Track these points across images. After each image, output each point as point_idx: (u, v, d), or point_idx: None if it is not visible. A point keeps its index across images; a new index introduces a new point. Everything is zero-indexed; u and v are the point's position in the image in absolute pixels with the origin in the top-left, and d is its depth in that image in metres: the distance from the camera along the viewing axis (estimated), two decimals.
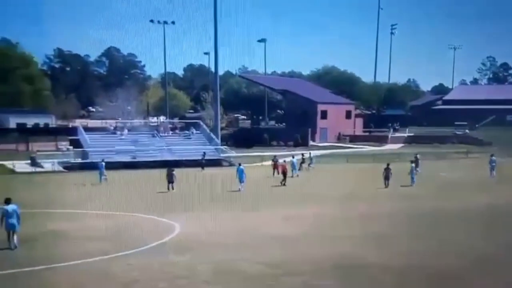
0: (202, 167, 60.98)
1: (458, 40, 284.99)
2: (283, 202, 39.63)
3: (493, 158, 54.62)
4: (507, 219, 32.33)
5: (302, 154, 65.74)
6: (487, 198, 40.89)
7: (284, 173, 50.08)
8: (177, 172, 49.60)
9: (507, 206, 36.91)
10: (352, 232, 28.53)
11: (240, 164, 48.90)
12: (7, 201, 26.23)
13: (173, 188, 45.02)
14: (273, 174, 54.51)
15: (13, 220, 25.45)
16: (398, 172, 49.02)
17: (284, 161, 54.55)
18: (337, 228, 29.93)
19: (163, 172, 47.69)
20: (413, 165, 49.93)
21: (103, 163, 53.43)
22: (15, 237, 25.42)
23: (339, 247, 25.25)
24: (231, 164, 64.59)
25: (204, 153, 65.71)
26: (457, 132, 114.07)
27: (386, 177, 46.88)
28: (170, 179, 45.64)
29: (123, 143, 70.93)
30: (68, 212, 34.27)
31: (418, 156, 59.26)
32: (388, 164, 48.12)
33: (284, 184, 48.83)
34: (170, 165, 51.05)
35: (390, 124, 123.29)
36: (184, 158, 65.77)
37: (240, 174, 46.06)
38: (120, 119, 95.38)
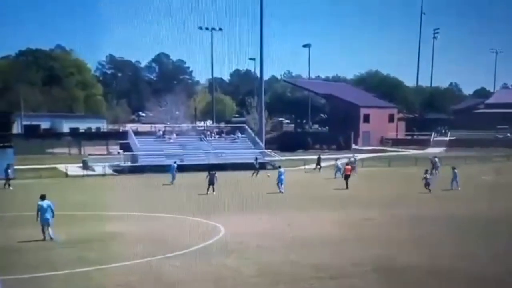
0: (256, 172, 60.94)
1: (499, 44, 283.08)
2: (328, 204, 40.26)
3: None
4: None
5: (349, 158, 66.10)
6: None
7: (347, 176, 50.07)
8: (224, 175, 51.03)
9: None
10: (396, 235, 29.16)
11: (280, 167, 50.35)
12: (42, 198, 28.72)
13: (213, 191, 45.80)
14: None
15: (48, 215, 28.10)
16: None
17: (347, 163, 55.14)
18: (381, 231, 30.57)
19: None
20: (455, 170, 49.72)
21: (175, 165, 55.30)
22: (50, 230, 27.95)
23: (383, 250, 25.63)
24: (275, 168, 65.98)
25: (257, 157, 66.42)
26: (499, 136, 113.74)
27: (427, 184, 46.82)
28: (211, 181, 46.44)
29: (172, 146, 72.23)
30: (117, 214, 34.67)
31: (436, 159, 60.43)
32: (426, 170, 48.69)
33: (346, 188, 48.92)
34: (215, 168, 52.10)
35: (439, 128, 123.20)
36: (229, 162, 67.27)
37: (280, 176, 47.71)
38: (168, 123, 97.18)
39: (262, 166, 65.23)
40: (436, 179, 51.45)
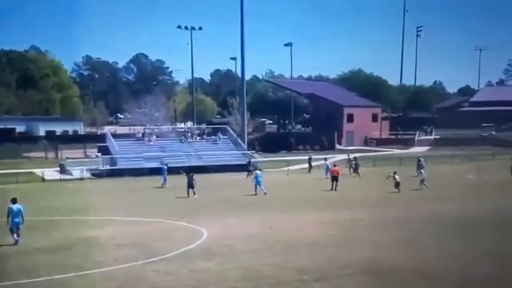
0: (250, 173, 58.69)
1: (483, 42, 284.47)
2: (314, 206, 39.55)
3: None
4: None
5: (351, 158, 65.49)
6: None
7: (334, 178, 48.82)
8: (206, 177, 50.32)
9: None
10: (380, 237, 28.51)
11: (257, 169, 49.33)
12: (13, 201, 27.93)
13: (194, 194, 44.84)
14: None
15: (17, 219, 27.40)
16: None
17: (334, 165, 53.99)
18: (369, 232, 30.02)
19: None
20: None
21: (166, 167, 54.37)
22: (15, 234, 27.38)
23: (370, 251, 25.23)
24: (257, 169, 65.18)
25: (250, 159, 65.80)
26: (484, 134, 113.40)
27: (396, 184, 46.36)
28: (190, 185, 45.34)
29: (151, 149, 71.20)
30: (97, 219, 34.74)
31: (421, 159, 59.72)
32: (395, 172, 47.88)
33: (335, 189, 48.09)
34: (196, 170, 51.64)
35: (425, 127, 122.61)
36: (211, 164, 66.45)
37: (258, 178, 46.47)
38: (148, 125, 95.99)
39: (239, 167, 64.61)
40: (423, 178, 51.07)
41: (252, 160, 66.97)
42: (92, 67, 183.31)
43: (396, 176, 46.68)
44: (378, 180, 52.66)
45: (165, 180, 52.78)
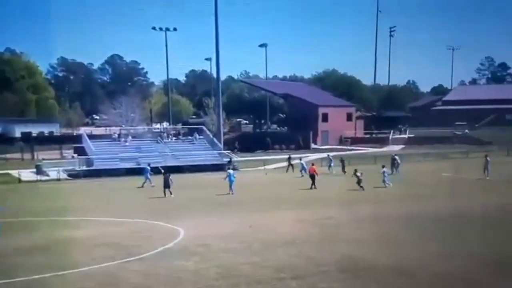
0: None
1: (456, 41, 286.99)
2: (290, 204, 39.79)
3: (488, 159, 54.64)
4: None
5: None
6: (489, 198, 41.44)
7: (313, 176, 49.04)
8: (182, 177, 50.70)
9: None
10: (357, 235, 28.74)
11: (229, 169, 49.49)
12: None
13: (170, 194, 44.77)
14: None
15: None
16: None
17: (312, 164, 54.03)
18: (345, 230, 30.18)
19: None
20: (384, 169, 50.22)
21: (149, 168, 54.19)
22: None
23: (347, 249, 25.40)
24: (234, 169, 65.47)
25: (231, 158, 65.85)
26: (457, 132, 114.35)
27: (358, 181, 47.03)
28: (167, 184, 45.31)
29: (127, 149, 70.93)
30: (75, 220, 34.63)
31: (396, 157, 60.37)
32: (355, 170, 48.73)
33: (314, 187, 48.28)
34: (172, 170, 51.54)
35: (399, 126, 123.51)
36: (187, 164, 66.48)
37: (231, 178, 46.72)
38: (124, 126, 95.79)
39: (215, 167, 65.03)
40: (400, 176, 52.70)
41: (232, 160, 67.19)
42: (67, 69, 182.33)
43: (358, 173, 47.31)
44: (355, 179, 53.53)
45: (148, 180, 52.57)
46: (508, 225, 31.07)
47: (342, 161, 62.86)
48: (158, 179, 48.59)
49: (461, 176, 56.24)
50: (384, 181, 48.57)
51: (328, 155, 66.42)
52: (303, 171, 57.08)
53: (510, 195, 42.64)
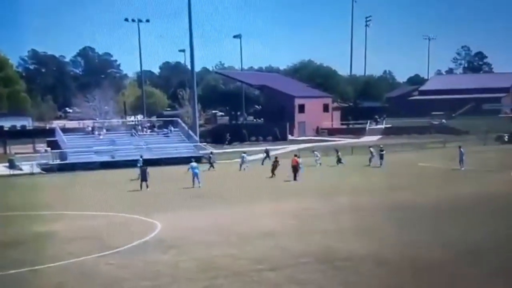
0: (211, 165, 58.84)
1: (432, 31, 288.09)
2: (267, 196, 39.46)
3: (462, 150, 54.33)
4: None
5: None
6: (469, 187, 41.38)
7: (295, 168, 48.82)
8: (158, 170, 50.39)
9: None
10: (335, 225, 28.51)
11: (192, 161, 48.81)
12: None
13: (147, 187, 44.20)
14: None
15: None
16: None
17: (295, 155, 53.15)
18: (323, 221, 29.94)
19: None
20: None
21: (141, 159, 53.81)
22: None
23: (325, 240, 25.22)
24: (193, 161, 64.92)
25: (212, 152, 65.22)
26: (434, 122, 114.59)
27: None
28: (144, 178, 44.73)
29: (101, 143, 70.50)
30: (50, 214, 34.27)
31: (371, 149, 60.15)
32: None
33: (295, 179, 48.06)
34: (148, 163, 51.14)
35: (376, 116, 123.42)
36: (163, 156, 65.87)
37: (194, 170, 45.94)
38: (97, 119, 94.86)
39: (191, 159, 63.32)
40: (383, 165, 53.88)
41: (213, 153, 65.70)
42: (38, 61, 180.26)
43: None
44: (333, 170, 53.01)
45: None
46: (480, 214, 31.00)
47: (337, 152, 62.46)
48: (126, 173, 48.12)
49: (437, 166, 56.24)
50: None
51: (314, 152, 65.41)
52: (243, 165, 57.37)
53: (483, 185, 42.67)
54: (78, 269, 21.85)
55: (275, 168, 50.60)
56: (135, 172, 49.53)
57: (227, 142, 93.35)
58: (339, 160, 59.77)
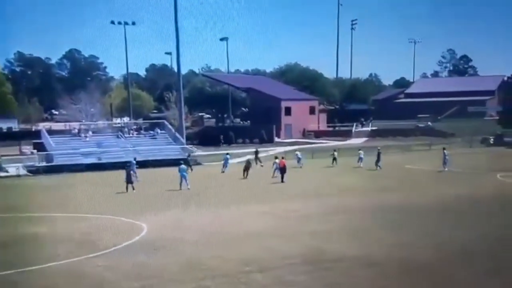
0: (190, 167, 57.41)
1: (418, 34, 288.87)
2: (256, 198, 39.59)
3: (445, 152, 54.86)
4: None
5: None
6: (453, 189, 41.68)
7: (283, 169, 48.88)
8: (145, 172, 50.61)
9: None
10: (323, 227, 28.62)
11: (181, 163, 48.88)
12: None
13: (133, 189, 44.11)
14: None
15: None
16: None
17: (282, 157, 53.33)
18: (311, 222, 30.09)
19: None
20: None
21: (135, 161, 53.50)
22: None
23: (313, 241, 25.36)
24: (197, 163, 64.63)
25: (189, 154, 64.90)
26: (420, 125, 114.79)
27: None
28: (129, 180, 44.68)
29: (88, 145, 70.04)
30: (37, 216, 34.14)
31: (298, 152, 61.08)
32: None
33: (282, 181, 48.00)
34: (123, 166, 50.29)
35: (362, 119, 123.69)
36: (150, 159, 65.53)
37: (182, 173, 45.92)
38: (83, 121, 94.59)
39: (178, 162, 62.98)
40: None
41: (192, 154, 66.20)
42: (24, 63, 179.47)
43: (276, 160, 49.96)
44: (319, 171, 53.05)
45: (135, 174, 51.12)
46: (469, 216, 31.31)
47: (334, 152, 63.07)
48: (112, 175, 48.17)
49: (424, 168, 56.55)
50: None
51: (297, 154, 65.55)
52: (224, 167, 57.58)
53: (471, 187, 42.97)
54: (66, 271, 21.84)
55: (247, 170, 51.32)
56: (97, 175, 49.85)
57: (222, 143, 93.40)
58: (334, 159, 60.60)
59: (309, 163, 62.26)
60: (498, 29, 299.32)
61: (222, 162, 58.81)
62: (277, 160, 52.30)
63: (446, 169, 52.71)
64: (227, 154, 60.92)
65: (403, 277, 20.28)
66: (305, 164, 59.70)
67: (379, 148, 60.78)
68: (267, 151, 72.57)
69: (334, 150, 63.63)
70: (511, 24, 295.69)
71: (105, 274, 21.18)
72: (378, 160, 56.64)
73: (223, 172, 56.41)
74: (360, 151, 61.27)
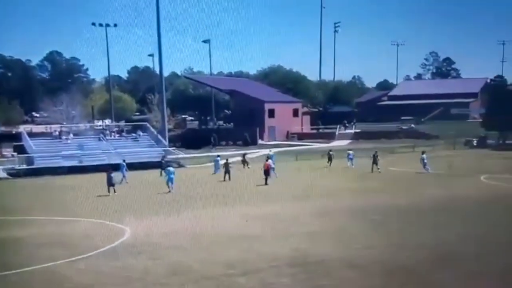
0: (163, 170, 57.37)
1: (401, 37, 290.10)
2: (240, 200, 39.19)
3: (424, 155, 55.00)
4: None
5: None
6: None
7: (267, 172, 48.67)
8: (128, 174, 50.87)
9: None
10: (307, 229, 28.44)
11: (169, 166, 48.44)
12: None
13: (114, 191, 43.78)
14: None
15: None
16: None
17: (266, 160, 52.73)
18: (295, 224, 29.90)
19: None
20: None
21: (125, 163, 53.14)
22: None
23: (297, 244, 25.14)
24: (180, 166, 64.08)
25: (163, 156, 64.30)
26: (403, 127, 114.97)
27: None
28: (110, 182, 44.31)
29: (69, 147, 69.83)
30: (17, 219, 33.90)
31: (376, 153, 59.77)
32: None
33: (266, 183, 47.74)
34: (116, 168, 50.54)
35: (345, 121, 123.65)
36: (132, 161, 64.85)
37: (170, 175, 45.53)
38: (65, 123, 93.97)
39: (170, 164, 62.01)
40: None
41: (168, 157, 65.63)
42: (4, 65, 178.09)
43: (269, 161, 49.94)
44: (304, 173, 52.67)
45: (124, 176, 51.54)
46: (451, 217, 31.11)
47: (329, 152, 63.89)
48: (81, 179, 47.63)
49: (407, 170, 56.33)
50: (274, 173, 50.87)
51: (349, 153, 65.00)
52: (217, 170, 56.50)
53: (452, 188, 42.96)
54: (47, 275, 21.56)
55: (228, 172, 51.32)
56: (79, 177, 49.34)
57: (212, 145, 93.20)
58: (329, 159, 61.59)
59: (288, 165, 62.18)
60: (481, 32, 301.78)
61: (213, 163, 58.50)
62: (269, 161, 52.13)
63: (430, 171, 52.77)
64: (218, 156, 60.40)
65: (386, 279, 20.11)
66: (288, 166, 59.34)
67: (376, 151, 60.37)
68: (252, 153, 72.05)
69: (330, 150, 64.52)
70: (493, 27, 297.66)
71: (87, 278, 20.87)
72: (375, 163, 56.07)
73: (214, 173, 55.73)
74: (350, 151, 61.78)
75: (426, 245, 24.40)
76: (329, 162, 61.32)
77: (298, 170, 58.55)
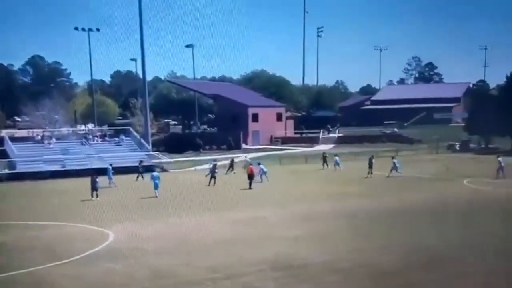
0: (140, 175, 57.09)
1: (383, 42, 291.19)
2: (224, 205, 39.23)
3: (394, 160, 55.93)
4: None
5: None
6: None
7: (251, 176, 48.68)
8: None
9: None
10: (291, 233, 28.41)
11: (154, 171, 48.15)
12: None
13: (97, 196, 43.41)
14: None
15: None
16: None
17: (250, 164, 53.41)
18: (279, 229, 29.86)
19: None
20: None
21: (111, 167, 52.92)
22: None
23: (281, 248, 25.23)
24: (163, 170, 63.74)
25: (141, 160, 63.56)
26: (386, 131, 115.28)
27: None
28: (94, 187, 43.94)
29: (51, 152, 69.22)
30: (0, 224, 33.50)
31: (372, 157, 60.06)
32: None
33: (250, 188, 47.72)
34: (99, 172, 49.64)
35: (328, 126, 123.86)
36: (115, 165, 64.26)
37: (155, 181, 45.19)
38: (47, 128, 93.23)
39: (148, 169, 61.11)
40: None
41: (141, 161, 63.51)
42: None
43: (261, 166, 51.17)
44: (287, 178, 52.93)
45: (110, 179, 51.35)
46: (435, 221, 31.23)
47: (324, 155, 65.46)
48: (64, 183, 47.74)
49: (392, 174, 55.79)
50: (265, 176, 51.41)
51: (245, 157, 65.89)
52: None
53: (436, 192, 43.39)
54: (30, 280, 21.48)
55: (213, 177, 51.27)
56: (62, 182, 49.03)
57: (201, 150, 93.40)
58: (324, 161, 63.05)
59: (276, 169, 61.76)
60: (463, 37, 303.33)
61: (211, 167, 56.53)
62: (261, 166, 52.26)
63: (401, 173, 53.59)
64: (214, 160, 59.18)
65: (370, 282, 20.24)
66: (271, 171, 59.40)
67: (372, 155, 60.42)
68: (237, 157, 71.82)
69: (324, 153, 66.13)
70: (475, 32, 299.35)
71: (70, 283, 20.85)
72: (370, 167, 56.17)
73: (206, 175, 54.40)
74: (336, 157, 62.45)
75: (408, 249, 24.57)
76: (324, 165, 62.64)
77: (281, 174, 58.29)
